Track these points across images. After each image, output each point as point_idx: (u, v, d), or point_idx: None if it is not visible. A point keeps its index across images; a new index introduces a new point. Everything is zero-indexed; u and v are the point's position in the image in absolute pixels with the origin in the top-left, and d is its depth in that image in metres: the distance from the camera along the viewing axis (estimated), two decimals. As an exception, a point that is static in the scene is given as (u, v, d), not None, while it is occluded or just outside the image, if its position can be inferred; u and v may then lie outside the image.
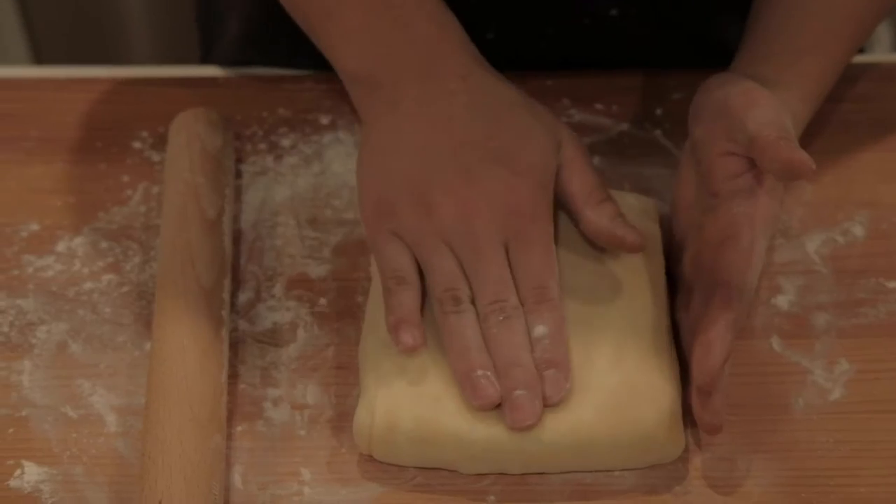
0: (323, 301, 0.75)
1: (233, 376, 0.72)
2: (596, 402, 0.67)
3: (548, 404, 0.66)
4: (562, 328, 0.67)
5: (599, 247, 0.72)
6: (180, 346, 0.69)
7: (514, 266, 0.68)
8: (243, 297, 0.75)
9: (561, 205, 0.72)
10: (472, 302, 0.68)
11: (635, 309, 0.70)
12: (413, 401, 0.67)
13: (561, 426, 0.66)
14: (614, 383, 0.67)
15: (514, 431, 0.65)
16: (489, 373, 0.66)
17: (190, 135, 0.78)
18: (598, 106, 0.84)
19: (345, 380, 0.71)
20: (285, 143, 0.83)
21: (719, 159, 0.71)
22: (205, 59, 0.94)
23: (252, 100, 0.85)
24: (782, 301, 0.75)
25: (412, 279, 0.68)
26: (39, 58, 1.50)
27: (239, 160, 0.82)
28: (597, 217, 0.71)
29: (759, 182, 0.71)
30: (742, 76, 0.74)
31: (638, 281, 0.71)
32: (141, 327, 0.74)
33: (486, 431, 0.66)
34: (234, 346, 0.73)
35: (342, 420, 0.70)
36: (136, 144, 0.83)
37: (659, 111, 0.84)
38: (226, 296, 0.73)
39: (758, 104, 0.70)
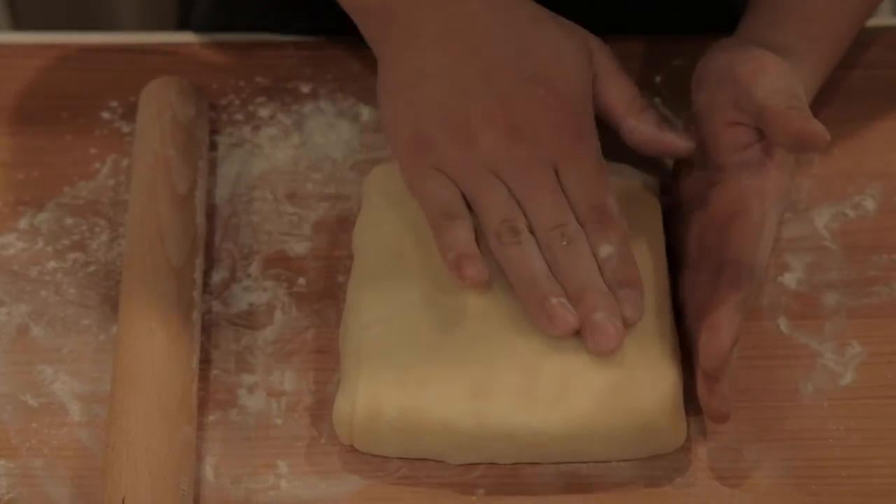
0: (302, 281, 0.72)
1: (205, 361, 0.68)
2: (592, 387, 0.63)
3: (628, 324, 0.64)
4: (628, 245, 0.66)
5: None
6: (147, 330, 0.65)
7: (567, 188, 0.66)
8: (217, 276, 0.72)
9: (601, 117, 0.70)
10: (531, 231, 0.65)
11: (635, 290, 0.66)
12: (397, 387, 0.64)
13: (554, 414, 0.63)
14: (611, 369, 0.64)
15: (596, 354, 0.63)
16: (563, 300, 0.63)
17: (160, 104, 0.75)
18: None
19: (324, 365, 0.68)
20: (263, 112, 0.79)
21: (725, 130, 0.68)
22: (182, 25, 0.90)
23: (228, 67, 0.82)
24: (790, 279, 0.72)
25: (463, 212, 0.66)
26: (18, 23, 1.46)
27: (214, 131, 0.78)
28: (642, 124, 0.69)
29: (769, 154, 0.68)
30: (749, 42, 0.70)
31: (637, 260, 0.67)
32: (108, 309, 0.71)
33: (475, 418, 0.63)
34: (207, 329, 0.70)
35: (322, 408, 0.67)
36: (105, 115, 0.79)
37: (658, 78, 0.81)
38: (197, 276, 0.69)
39: (766, 70, 0.67)
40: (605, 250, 0.65)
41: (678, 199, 0.71)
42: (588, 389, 0.63)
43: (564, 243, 0.64)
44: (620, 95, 0.69)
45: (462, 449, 0.64)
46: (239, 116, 0.79)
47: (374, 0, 0.69)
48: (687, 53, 0.78)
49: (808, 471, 0.64)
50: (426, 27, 0.67)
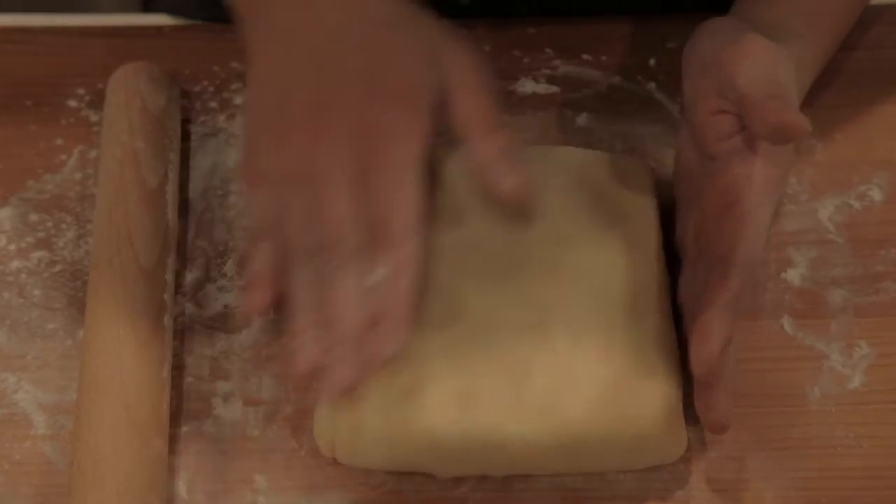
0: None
1: (178, 368, 0.65)
2: (586, 395, 0.60)
3: (373, 365, 0.59)
4: (404, 270, 0.60)
5: (589, 221, 0.65)
6: (115, 336, 0.62)
7: (365, 198, 0.61)
8: (190, 276, 0.69)
9: (454, 135, 0.65)
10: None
11: (629, 290, 0.63)
12: (381, 395, 0.60)
13: (547, 424, 0.60)
14: (606, 374, 0.61)
15: (326, 401, 0.59)
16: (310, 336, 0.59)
17: (129, 93, 0.71)
18: (586, 57, 0.78)
19: (305, 370, 0.64)
20: (239, 100, 0.76)
21: (710, 118, 0.65)
22: (148, 6, 0.86)
23: (202, 52, 0.78)
24: (793, 275, 0.69)
25: (273, 232, 0.62)
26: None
27: (187, 120, 0.75)
28: (478, 151, 0.63)
29: (755, 141, 0.64)
30: (739, 21, 0.67)
31: (632, 258, 0.64)
32: (75, 312, 0.67)
33: (463, 428, 0.60)
34: (180, 332, 0.67)
35: (302, 418, 0.64)
36: (72, 102, 0.76)
37: (653, 62, 0.78)
38: (169, 276, 0.66)
39: (749, 56, 0.63)
40: (374, 276, 0.60)
41: (680, 191, 0.67)
42: (582, 396, 0.60)
43: (333, 266, 0.60)
44: (467, 111, 0.63)
45: (450, 461, 0.61)
46: (213, 104, 0.76)
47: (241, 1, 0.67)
48: (681, 34, 0.72)
49: (816, 482, 0.62)
50: (279, 29, 0.64)
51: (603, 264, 0.64)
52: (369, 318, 0.59)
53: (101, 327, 0.62)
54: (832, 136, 0.74)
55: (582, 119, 0.75)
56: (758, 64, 0.63)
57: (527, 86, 0.76)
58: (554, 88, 0.76)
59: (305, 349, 0.58)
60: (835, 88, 0.75)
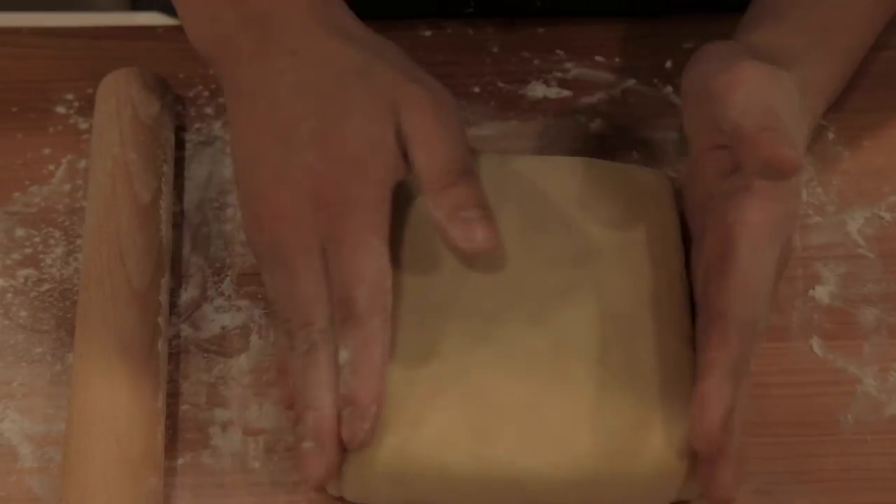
0: (281, 300, 0.64)
1: (173, 395, 0.62)
2: (604, 427, 0.57)
3: (348, 447, 0.56)
4: (368, 350, 0.56)
5: (605, 240, 0.61)
6: (106, 365, 0.58)
7: (329, 275, 0.58)
8: (186, 295, 0.65)
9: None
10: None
11: (650, 315, 0.59)
12: (389, 428, 0.57)
13: (564, 457, 0.56)
14: (624, 408, 0.57)
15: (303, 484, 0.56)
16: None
17: (120, 101, 0.68)
18: (599, 58, 0.75)
19: (308, 397, 0.61)
20: None
21: (708, 154, 0.60)
22: (139, 5, 0.83)
23: (197, 55, 0.72)
24: (822, 293, 0.66)
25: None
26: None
27: (181, 127, 0.72)
28: (435, 208, 0.59)
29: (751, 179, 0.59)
30: (737, 44, 0.63)
31: (652, 280, 0.60)
32: (64, 335, 0.64)
33: (476, 463, 0.56)
34: (175, 356, 0.63)
35: None
36: (60, 109, 0.72)
37: (669, 64, 0.74)
38: (163, 298, 0.62)
39: (744, 83, 0.58)
40: (342, 357, 0.56)
41: (690, 224, 0.63)
42: (600, 429, 0.57)
43: (305, 347, 0.57)
44: (426, 165, 0.59)
45: (462, 497, 0.57)
46: (208, 110, 0.72)
47: (204, 48, 0.64)
48: (698, 35, 0.72)
49: None
50: (242, 87, 0.61)
51: (621, 286, 0.60)
52: (341, 400, 0.56)
53: (91, 356, 0.58)
54: (860, 142, 0.71)
55: (596, 125, 0.72)
56: (752, 93, 0.58)
57: (537, 90, 0.73)
58: (566, 92, 0.73)
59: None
60: (862, 91, 0.72)
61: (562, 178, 0.64)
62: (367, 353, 0.56)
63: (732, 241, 0.57)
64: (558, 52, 0.74)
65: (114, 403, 0.57)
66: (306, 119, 0.59)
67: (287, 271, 0.58)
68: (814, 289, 0.65)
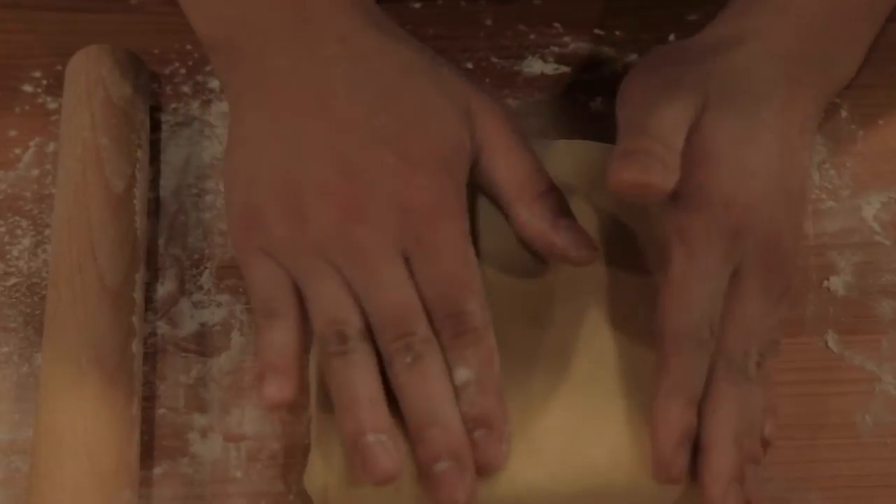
0: (263, 294, 0.61)
1: (149, 398, 0.59)
2: (607, 435, 0.54)
3: (480, 473, 0.52)
4: (490, 367, 0.53)
5: (609, 232, 0.58)
6: (77, 370, 0.55)
7: (420, 284, 0.54)
8: (162, 290, 0.62)
9: (489, 198, 0.58)
10: (370, 337, 0.54)
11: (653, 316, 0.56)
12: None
13: (565, 469, 0.53)
14: (633, 413, 0.54)
15: None
16: (383, 436, 0.51)
17: (91, 81, 0.64)
18: (598, 32, 0.72)
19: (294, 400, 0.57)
20: (215, 84, 0.69)
21: None
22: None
23: (173, 28, 0.70)
24: (837, 284, 0.63)
25: (286, 310, 0.54)
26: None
27: (156, 107, 0.68)
28: (531, 217, 0.56)
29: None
30: (685, 47, 0.60)
31: (660, 275, 0.56)
32: (32, 333, 0.61)
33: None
34: (152, 357, 0.60)
35: (290, 455, 0.58)
36: (27, 87, 0.69)
37: (672, 37, 0.71)
38: (138, 294, 0.59)
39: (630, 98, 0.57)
40: (463, 375, 0.53)
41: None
42: (603, 438, 0.54)
43: (409, 359, 0.52)
44: (510, 175, 0.56)
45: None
46: (185, 89, 0.69)
47: (218, 33, 0.58)
48: (702, 6, 0.70)
49: None
50: (274, 74, 0.56)
51: (627, 282, 0.57)
52: (471, 422, 0.52)
53: (60, 361, 0.55)
54: (875, 120, 0.68)
55: (597, 104, 0.69)
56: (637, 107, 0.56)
57: (534, 66, 0.70)
58: (564, 68, 0.70)
59: (379, 454, 0.51)
60: (873, 67, 0.68)
61: (561, 164, 0.60)
62: (491, 371, 0.53)
63: (668, 251, 0.55)
64: (555, 25, 0.72)
65: (84, 413, 0.54)
66: (376, 115, 0.55)
67: (367, 273, 0.53)
68: (828, 279, 0.63)
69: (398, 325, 0.53)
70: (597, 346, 0.55)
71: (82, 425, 0.53)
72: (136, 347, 0.57)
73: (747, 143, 0.55)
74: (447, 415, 0.52)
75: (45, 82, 0.68)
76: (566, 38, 0.71)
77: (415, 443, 0.52)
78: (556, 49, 0.71)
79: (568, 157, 0.61)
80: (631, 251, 0.58)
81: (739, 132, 0.55)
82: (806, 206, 0.59)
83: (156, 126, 0.67)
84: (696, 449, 0.52)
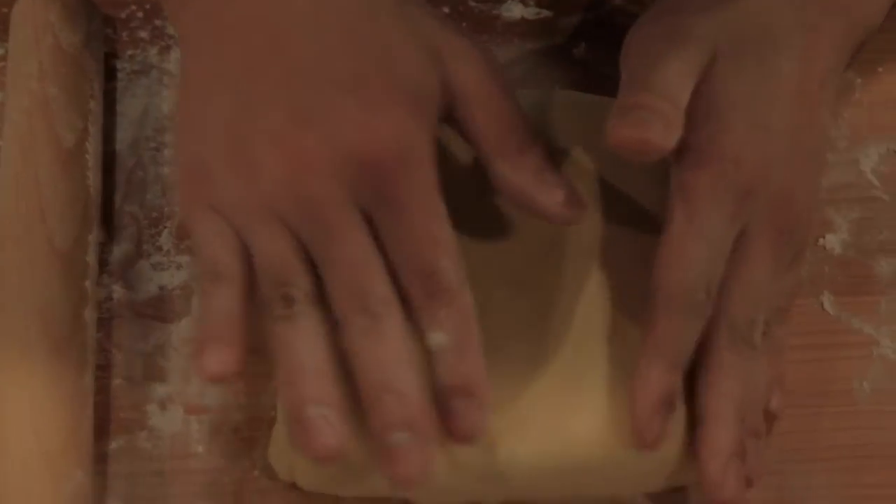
0: (226, 255, 0.59)
1: (103, 367, 0.57)
2: (595, 407, 0.51)
3: (459, 444, 0.49)
4: (468, 329, 0.50)
5: (597, 192, 0.55)
6: (23, 340, 0.52)
7: (385, 243, 0.50)
8: (118, 251, 0.60)
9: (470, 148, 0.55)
10: (323, 304, 0.50)
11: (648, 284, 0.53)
12: (350, 410, 0.50)
13: (551, 444, 0.51)
14: (621, 383, 0.51)
15: (395, 490, 0.49)
16: (326, 409, 0.48)
17: (38, 27, 0.61)
18: None
19: (258, 369, 0.54)
20: (174, 30, 0.66)
21: None
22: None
23: None
24: (833, 242, 0.61)
25: (233, 274, 0.50)
26: None
27: (111, 54, 0.66)
28: (512, 171, 0.52)
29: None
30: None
31: (657, 238, 0.53)
32: None
33: (450, 450, 0.50)
34: (107, 323, 0.58)
35: (255, 427, 0.56)
36: None
37: None
38: (91, 258, 0.57)
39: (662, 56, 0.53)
40: (437, 339, 0.49)
41: None
42: (591, 410, 0.51)
43: (364, 321, 0.49)
44: (489, 125, 0.53)
45: (435, 488, 0.51)
46: (143, 34, 0.66)
47: None
48: None
49: (871, 501, 0.55)
50: (227, 12, 0.52)
51: (621, 245, 0.54)
52: (448, 391, 0.49)
53: (7, 328, 0.52)
54: (874, 68, 0.65)
55: (580, 50, 0.66)
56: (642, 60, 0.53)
57: (513, 9, 0.67)
58: (545, 12, 0.67)
59: (321, 428, 0.47)
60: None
61: (542, 117, 0.57)
62: (469, 333, 0.49)
63: (670, 208, 0.52)
64: (534, -36, 0.69)
65: (32, 389, 0.51)
66: (338, 57, 0.51)
67: (320, 229, 0.49)
68: (824, 237, 0.61)
69: (352, 283, 0.49)
70: (585, 312, 0.52)
71: (29, 401, 0.50)
72: (88, 314, 0.54)
73: (761, 97, 0.52)
74: (403, 380, 0.48)
75: (-10, 28, 0.66)
76: (546, -21, 0.69)
77: (367, 412, 0.48)
78: (535, -9, 0.68)
79: (558, 109, 0.58)
80: (628, 213, 0.55)
81: (752, 84, 0.52)
82: (823, 165, 0.56)
83: (110, 74, 0.65)
84: (695, 422, 0.50)
